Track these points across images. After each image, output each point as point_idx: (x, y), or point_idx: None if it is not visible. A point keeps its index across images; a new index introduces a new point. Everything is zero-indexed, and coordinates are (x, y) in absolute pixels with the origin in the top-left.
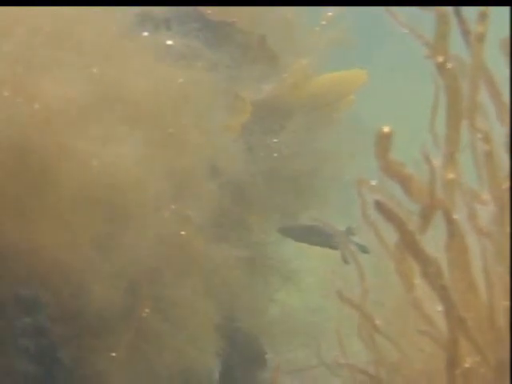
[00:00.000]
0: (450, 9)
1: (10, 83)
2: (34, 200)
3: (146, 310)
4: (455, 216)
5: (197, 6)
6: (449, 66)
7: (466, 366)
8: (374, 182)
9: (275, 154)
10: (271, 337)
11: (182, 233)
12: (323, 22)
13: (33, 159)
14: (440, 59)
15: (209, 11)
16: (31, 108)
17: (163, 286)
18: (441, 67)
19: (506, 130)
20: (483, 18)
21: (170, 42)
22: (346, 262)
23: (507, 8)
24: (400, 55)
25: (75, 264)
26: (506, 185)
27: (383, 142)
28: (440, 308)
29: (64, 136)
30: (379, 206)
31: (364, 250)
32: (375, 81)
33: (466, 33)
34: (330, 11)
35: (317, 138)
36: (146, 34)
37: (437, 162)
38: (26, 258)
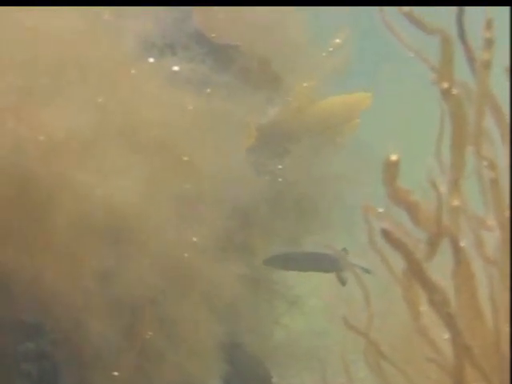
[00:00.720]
0: (454, 34)
1: (12, 113)
2: (36, 230)
3: (150, 333)
4: (462, 243)
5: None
6: (454, 91)
7: None
8: (381, 209)
9: (280, 179)
10: (277, 361)
11: (186, 255)
12: (330, 49)
13: (35, 190)
14: (445, 85)
15: (213, 35)
16: (34, 138)
17: (167, 307)
18: (446, 93)
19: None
20: (489, 44)
21: (176, 68)
22: (343, 283)
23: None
24: (407, 80)
25: (77, 291)
26: (507, 213)
27: (391, 169)
28: (446, 335)
29: (68, 167)
30: (386, 235)
31: (366, 270)
32: (381, 105)
33: (471, 59)
34: (338, 38)
35: (321, 162)
36: (151, 60)
37: (443, 188)
38: (28, 286)
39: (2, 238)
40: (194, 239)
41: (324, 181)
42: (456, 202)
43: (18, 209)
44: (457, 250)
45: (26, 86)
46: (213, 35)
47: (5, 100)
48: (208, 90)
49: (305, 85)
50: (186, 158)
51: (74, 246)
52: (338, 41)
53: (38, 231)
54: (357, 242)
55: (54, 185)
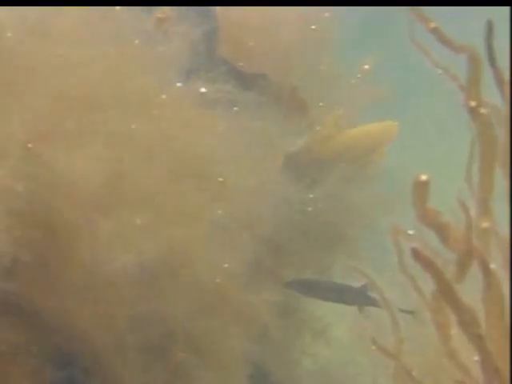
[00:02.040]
0: (482, 54)
1: (45, 145)
2: (65, 271)
3: (182, 354)
4: (492, 265)
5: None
6: (482, 111)
7: None
8: (410, 232)
9: (309, 208)
10: None
11: (217, 280)
12: (359, 76)
13: (58, 235)
14: (473, 104)
15: (241, 64)
16: (56, 182)
17: (198, 331)
18: (473, 112)
19: None
20: None
21: (203, 90)
22: (364, 314)
23: None
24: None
25: (110, 325)
26: None
27: (420, 190)
28: (476, 358)
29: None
30: (416, 254)
31: (405, 311)
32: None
33: (500, 81)
34: (367, 64)
35: (350, 191)
36: (179, 84)
37: (472, 210)
38: (62, 319)
39: (34, 274)
40: (226, 265)
41: (353, 209)
42: (485, 224)
43: (43, 252)
44: (486, 272)
45: (57, 116)
46: (240, 64)
47: (36, 131)
48: (235, 108)
49: (335, 113)
50: (220, 179)
51: (106, 287)
52: (366, 67)
53: (69, 267)
54: (386, 271)
55: (77, 231)
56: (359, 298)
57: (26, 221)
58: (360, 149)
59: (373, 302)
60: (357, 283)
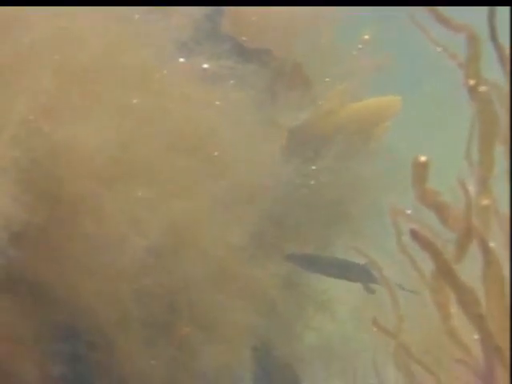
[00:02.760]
0: (482, 32)
1: (47, 117)
2: (69, 244)
3: (187, 329)
4: (491, 244)
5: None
6: (481, 89)
7: None
8: (409, 211)
9: (312, 182)
10: (306, 364)
11: (220, 253)
12: (360, 46)
13: (69, 198)
14: (472, 82)
15: (244, 38)
16: (68, 146)
17: (202, 302)
18: (473, 90)
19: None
20: None
21: (205, 66)
22: (369, 292)
23: None
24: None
25: (114, 293)
26: None
27: (419, 170)
28: (476, 336)
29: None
30: (415, 235)
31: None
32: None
33: (502, 58)
34: (366, 35)
35: (352, 165)
36: (182, 60)
37: (472, 188)
38: (65, 291)
39: (38, 245)
40: (229, 239)
41: (356, 185)
42: (485, 202)
43: (54, 214)
44: (486, 251)
45: (60, 89)
46: (244, 39)
47: (39, 103)
48: (231, 82)
49: (337, 88)
50: (216, 153)
51: (110, 260)
52: (366, 37)
53: (71, 245)
54: (388, 248)
55: (83, 201)
56: (362, 275)
57: (30, 191)
58: (363, 123)
59: (375, 280)
60: (360, 260)
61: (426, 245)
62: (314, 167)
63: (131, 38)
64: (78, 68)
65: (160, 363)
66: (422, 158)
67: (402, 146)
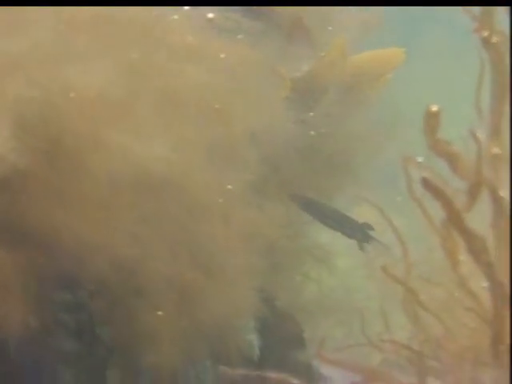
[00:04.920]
0: None
1: (46, 70)
2: (71, 186)
3: (189, 274)
4: (501, 192)
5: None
6: (494, 40)
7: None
8: (420, 159)
9: (312, 132)
10: (308, 315)
11: (220, 201)
12: None
13: (68, 145)
14: (485, 33)
15: None
16: (67, 95)
17: (204, 249)
18: (486, 41)
19: None
20: None
21: (210, 15)
22: (362, 249)
23: None
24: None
25: (114, 241)
26: None
27: (431, 120)
28: (485, 284)
29: (100, 123)
30: (426, 183)
31: (386, 247)
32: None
33: None
34: None
35: (353, 116)
36: (186, 8)
37: (481, 136)
38: (66, 239)
39: (38, 191)
40: (229, 186)
41: (356, 135)
42: (495, 150)
43: (51, 163)
44: (496, 199)
45: (60, 40)
46: None
47: (38, 54)
48: (239, 37)
49: (339, 39)
50: (217, 106)
51: (109, 200)
52: None
53: (73, 185)
54: (391, 199)
55: (86, 141)
56: (357, 232)
57: (35, 129)
58: (365, 75)
59: (370, 241)
60: (360, 219)
61: (437, 193)
62: (311, 114)
63: None
64: (80, 18)
65: (165, 313)
66: (434, 108)
67: (405, 97)
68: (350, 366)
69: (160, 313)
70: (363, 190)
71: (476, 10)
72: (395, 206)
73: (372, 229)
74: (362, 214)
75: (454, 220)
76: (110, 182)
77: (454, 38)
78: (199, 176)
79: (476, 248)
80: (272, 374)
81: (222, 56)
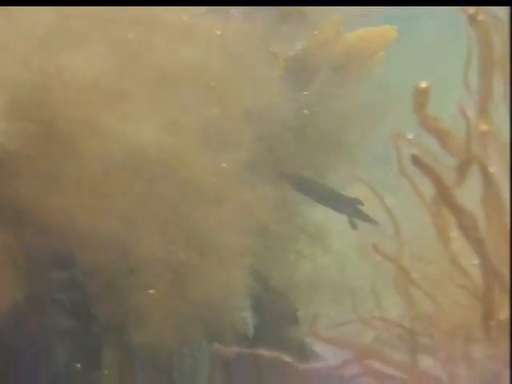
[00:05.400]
0: None
1: (39, 53)
2: (64, 168)
3: (184, 254)
4: (491, 169)
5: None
6: (480, 17)
7: (502, 318)
8: (410, 136)
9: (305, 111)
10: (301, 293)
11: (213, 180)
12: None
13: (62, 128)
14: (471, 11)
15: None
16: (62, 79)
17: (198, 228)
18: (472, 19)
19: None
20: None
21: None
22: (353, 227)
23: None
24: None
25: (108, 221)
26: None
27: (420, 97)
28: (476, 261)
29: (95, 107)
30: (416, 160)
31: (374, 222)
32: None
33: None
34: None
35: (346, 94)
36: None
37: (470, 113)
38: (61, 219)
39: (30, 174)
40: (224, 164)
41: (349, 113)
42: (484, 127)
43: (44, 146)
44: (486, 176)
45: (55, 25)
46: None
47: (33, 38)
48: (232, 11)
49: (333, 18)
50: (213, 84)
51: (102, 182)
52: None
53: (66, 168)
54: (381, 177)
55: (78, 123)
56: (348, 207)
57: (28, 112)
58: (358, 53)
59: (360, 216)
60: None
61: (427, 170)
62: (305, 92)
63: None
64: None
65: (158, 292)
66: (423, 85)
67: (398, 75)
68: (343, 344)
69: (152, 291)
70: (356, 168)
71: None
72: (388, 184)
73: (362, 204)
74: (354, 192)
75: (444, 196)
76: (103, 164)
77: (443, 18)
78: (193, 155)
79: (466, 224)
80: (265, 352)
81: (218, 33)
